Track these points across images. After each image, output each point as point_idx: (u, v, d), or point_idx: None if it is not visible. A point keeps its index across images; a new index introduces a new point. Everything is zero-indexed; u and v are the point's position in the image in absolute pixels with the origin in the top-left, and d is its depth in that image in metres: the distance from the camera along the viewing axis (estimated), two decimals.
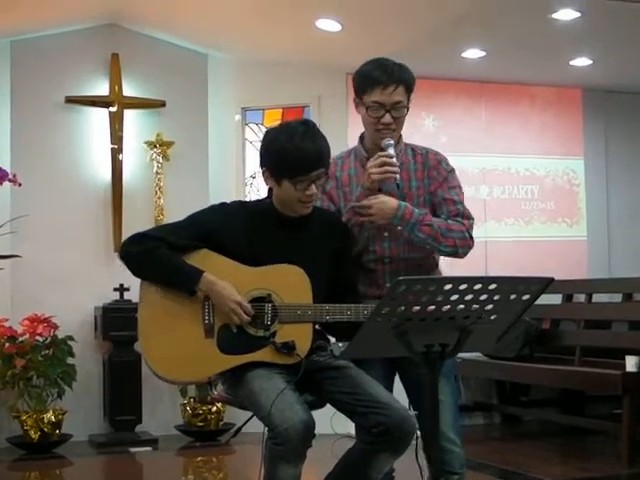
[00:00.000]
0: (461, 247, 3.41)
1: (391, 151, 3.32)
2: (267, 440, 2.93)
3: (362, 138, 3.53)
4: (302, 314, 3.12)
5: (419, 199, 3.43)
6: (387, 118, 3.33)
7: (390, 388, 3.36)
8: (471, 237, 3.44)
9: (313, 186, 3.15)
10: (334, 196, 3.45)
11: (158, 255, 3.13)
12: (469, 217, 3.46)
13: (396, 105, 3.34)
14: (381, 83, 3.32)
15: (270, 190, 3.27)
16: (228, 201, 3.35)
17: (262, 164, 3.22)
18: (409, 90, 3.38)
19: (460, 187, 3.52)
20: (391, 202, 3.31)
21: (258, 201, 3.38)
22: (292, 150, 3.09)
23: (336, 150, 3.45)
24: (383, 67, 3.35)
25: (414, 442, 3.08)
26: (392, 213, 3.30)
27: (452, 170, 3.52)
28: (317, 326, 3.28)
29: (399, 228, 3.33)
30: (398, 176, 3.31)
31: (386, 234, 3.40)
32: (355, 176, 3.46)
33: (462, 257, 3.45)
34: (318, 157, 3.14)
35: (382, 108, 3.33)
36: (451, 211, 3.43)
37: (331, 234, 3.29)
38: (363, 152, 3.47)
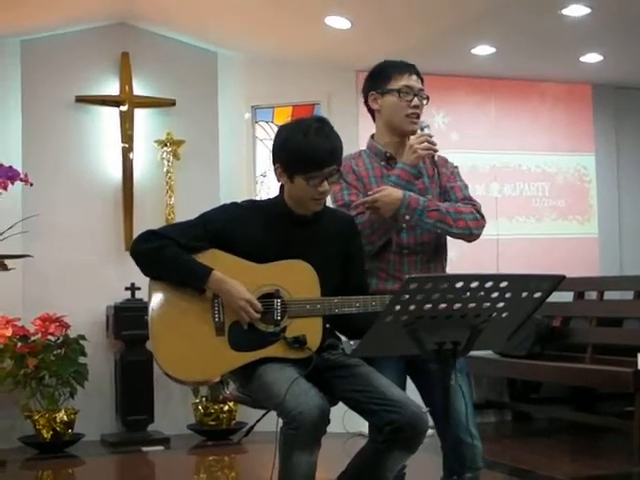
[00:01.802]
0: (475, 228, 3.46)
1: (428, 131, 3.45)
2: (281, 428, 2.93)
3: (373, 137, 3.60)
4: (311, 308, 3.13)
5: (433, 192, 3.51)
6: (416, 101, 3.48)
7: (403, 387, 3.37)
8: (482, 217, 3.50)
9: (325, 183, 3.16)
10: (357, 186, 3.48)
11: (167, 253, 3.14)
12: (473, 200, 3.54)
13: (420, 92, 3.50)
14: (406, 71, 3.50)
15: (282, 187, 3.29)
16: (239, 200, 3.36)
17: (275, 160, 3.23)
18: (423, 85, 3.55)
19: (462, 179, 3.63)
20: (396, 192, 3.35)
21: (270, 199, 3.39)
22: (306, 146, 3.11)
23: (347, 147, 3.47)
24: (402, 61, 3.55)
25: (426, 440, 3.07)
26: (398, 203, 3.34)
27: (457, 167, 3.65)
28: (327, 325, 3.29)
29: (407, 217, 3.35)
30: (436, 154, 3.46)
31: (404, 225, 3.42)
32: (372, 170, 3.51)
33: (476, 238, 3.50)
34: (331, 154, 3.15)
35: (412, 92, 3.47)
36: (458, 197, 3.52)
37: (343, 234, 3.30)
38: (380, 148, 3.53)
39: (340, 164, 3.21)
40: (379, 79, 3.52)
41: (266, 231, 3.21)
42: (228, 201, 3.36)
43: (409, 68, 3.51)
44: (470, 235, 3.46)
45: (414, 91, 3.47)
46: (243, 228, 3.20)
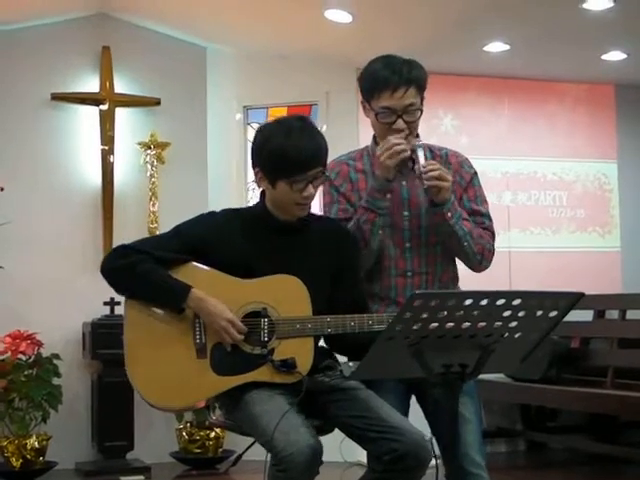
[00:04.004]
0: (486, 259, 3.47)
1: (420, 154, 3.32)
2: (270, 467, 2.92)
3: (375, 138, 3.52)
4: (301, 328, 3.12)
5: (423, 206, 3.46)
6: (400, 124, 3.34)
7: (406, 412, 3.36)
8: (493, 252, 3.50)
9: (310, 186, 3.16)
10: (351, 198, 3.45)
11: (142, 269, 3.14)
12: (494, 233, 3.53)
13: (408, 108, 3.33)
14: (389, 86, 3.31)
15: (262, 193, 3.29)
16: (221, 209, 3.36)
17: (255, 164, 3.24)
18: (421, 89, 3.37)
19: (484, 195, 3.57)
20: None
21: (250, 207, 3.40)
22: (288, 148, 3.11)
23: (347, 150, 3.46)
24: (391, 67, 3.33)
25: (429, 471, 3.07)
26: (450, 193, 3.32)
27: (475, 173, 3.57)
28: (325, 345, 3.28)
29: (449, 214, 3.31)
30: (408, 152, 3.29)
31: (408, 244, 3.42)
32: (372, 179, 3.43)
33: (483, 269, 3.50)
34: (316, 155, 3.15)
35: (393, 113, 3.33)
36: (478, 224, 3.47)
37: (332, 243, 3.30)
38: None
39: (325, 165, 3.20)
40: (364, 89, 3.42)
41: (248, 241, 3.21)
42: (217, 209, 3.37)
43: (392, 82, 3.30)
44: (479, 264, 3.47)
45: (397, 112, 3.31)
46: (223, 239, 3.20)
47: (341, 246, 3.31)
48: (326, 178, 3.25)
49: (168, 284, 3.13)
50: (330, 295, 3.25)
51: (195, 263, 3.19)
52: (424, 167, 3.28)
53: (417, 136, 3.44)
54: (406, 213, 3.42)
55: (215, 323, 3.09)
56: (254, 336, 3.13)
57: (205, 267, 3.18)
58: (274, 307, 3.14)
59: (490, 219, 3.53)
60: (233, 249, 3.18)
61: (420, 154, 3.33)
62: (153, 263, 3.15)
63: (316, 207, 3.37)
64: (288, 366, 3.08)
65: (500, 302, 2.57)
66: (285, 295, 3.15)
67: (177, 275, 3.16)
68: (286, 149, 3.11)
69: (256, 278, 3.15)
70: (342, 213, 3.44)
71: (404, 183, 3.43)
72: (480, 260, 3.45)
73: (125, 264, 3.16)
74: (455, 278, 3.56)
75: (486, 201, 3.57)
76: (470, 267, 3.50)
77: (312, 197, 3.21)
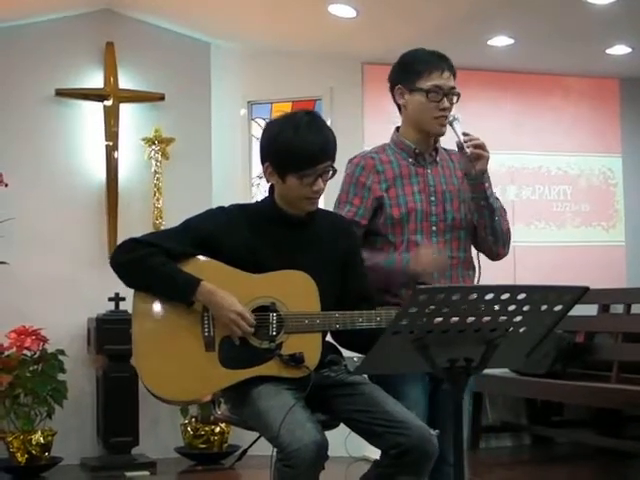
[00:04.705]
0: (508, 242, 3.61)
1: (458, 125, 3.46)
2: (276, 462, 2.93)
3: (398, 130, 3.62)
4: (310, 323, 3.13)
5: (462, 196, 3.55)
6: (446, 103, 3.49)
7: (427, 406, 3.38)
8: (511, 238, 3.62)
9: (320, 180, 3.18)
10: (376, 190, 3.50)
11: (151, 263, 3.14)
12: (508, 224, 3.65)
13: (452, 90, 3.51)
14: (439, 67, 3.50)
15: (271, 188, 3.29)
16: (226, 204, 3.36)
17: (264, 159, 3.25)
18: (455, 80, 3.56)
19: (494, 193, 3.65)
20: None
21: (259, 202, 3.41)
22: (297, 142, 3.13)
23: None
24: (435, 53, 3.56)
25: None
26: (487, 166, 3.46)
27: (486, 170, 3.61)
28: (331, 339, 3.29)
29: (486, 185, 3.45)
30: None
31: (434, 228, 3.49)
32: (399, 169, 3.54)
33: (502, 254, 3.63)
34: (325, 149, 3.17)
35: (441, 93, 3.47)
36: None
37: (338, 237, 3.32)
38: (408, 143, 3.55)
39: (334, 159, 3.23)
40: (408, 73, 3.54)
41: (257, 236, 3.21)
42: (222, 204, 3.37)
43: (441, 64, 3.50)
44: (504, 246, 3.60)
45: (444, 91, 3.48)
46: (231, 234, 3.20)
47: (346, 240, 3.33)
48: (335, 172, 3.27)
49: (177, 277, 3.14)
50: (339, 286, 3.26)
51: (204, 257, 3.20)
52: (465, 135, 3.43)
53: None
54: (432, 198, 3.52)
55: (225, 316, 3.10)
56: (262, 330, 3.14)
57: (214, 261, 3.19)
58: (283, 302, 3.15)
59: (505, 211, 3.64)
60: (242, 244, 3.19)
61: (457, 127, 3.46)
62: (162, 256, 3.15)
63: (321, 202, 3.37)
64: (296, 360, 3.09)
65: (505, 296, 2.57)
66: (294, 290, 3.16)
67: (186, 268, 3.16)
68: (295, 144, 3.13)
69: (265, 273, 3.16)
70: (352, 215, 3.49)
71: (429, 171, 3.55)
72: (505, 241, 3.58)
73: (134, 257, 3.16)
74: (474, 267, 3.62)
75: (498, 198, 3.66)
76: (494, 251, 3.60)
77: (322, 191, 3.23)
